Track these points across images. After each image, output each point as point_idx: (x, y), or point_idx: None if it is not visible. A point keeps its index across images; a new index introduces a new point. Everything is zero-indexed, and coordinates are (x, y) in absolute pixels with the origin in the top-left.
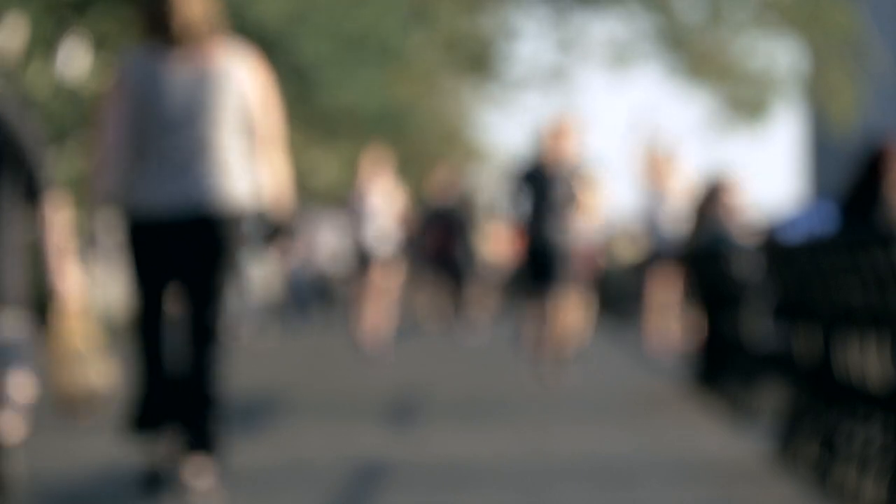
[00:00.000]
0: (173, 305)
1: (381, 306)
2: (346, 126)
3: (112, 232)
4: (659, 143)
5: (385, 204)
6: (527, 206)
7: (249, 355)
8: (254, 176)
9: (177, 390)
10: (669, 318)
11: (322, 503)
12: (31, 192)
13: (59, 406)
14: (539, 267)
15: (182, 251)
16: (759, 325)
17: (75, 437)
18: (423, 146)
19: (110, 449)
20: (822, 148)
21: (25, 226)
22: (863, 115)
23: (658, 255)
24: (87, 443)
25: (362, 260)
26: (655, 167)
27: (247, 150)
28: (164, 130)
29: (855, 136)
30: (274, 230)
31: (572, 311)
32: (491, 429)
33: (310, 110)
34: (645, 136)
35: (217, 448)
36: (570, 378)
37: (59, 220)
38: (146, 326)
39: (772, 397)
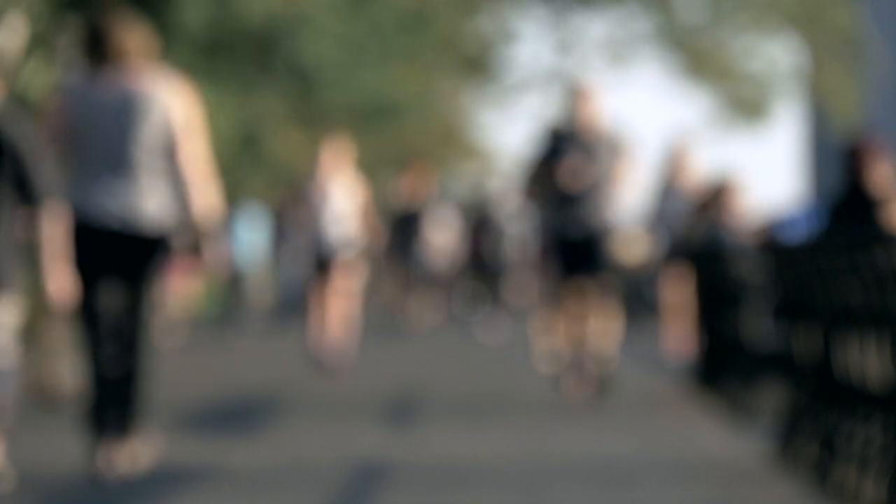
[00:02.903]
0: (108, 306)
1: (341, 313)
2: (346, 125)
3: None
4: (679, 137)
5: (347, 200)
6: (553, 186)
7: (249, 355)
8: (177, 193)
9: (108, 389)
10: (685, 319)
11: (322, 503)
12: (29, 199)
13: (33, 394)
14: (571, 255)
15: (109, 262)
16: (759, 325)
17: (75, 437)
18: (421, 146)
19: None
20: (822, 148)
21: (23, 228)
22: (863, 114)
23: (671, 253)
24: (86, 443)
25: (321, 262)
26: (675, 161)
27: (171, 168)
28: (94, 149)
29: (854, 134)
30: (197, 243)
31: (605, 315)
32: (491, 429)
33: (309, 110)
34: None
35: (141, 437)
36: (599, 394)
37: (55, 226)
38: (87, 327)
39: (772, 397)
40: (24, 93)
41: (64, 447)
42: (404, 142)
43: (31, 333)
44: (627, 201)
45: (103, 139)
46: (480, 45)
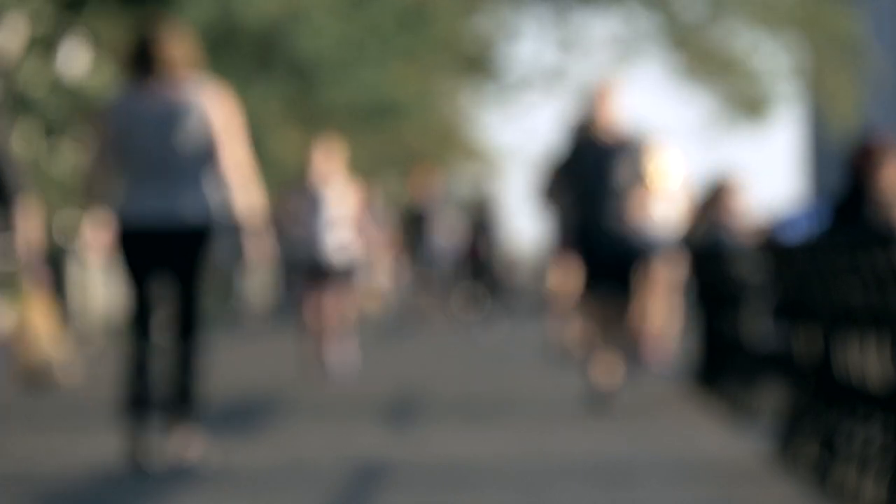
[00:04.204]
0: (159, 304)
1: (338, 325)
2: (346, 125)
3: (103, 235)
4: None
5: (340, 205)
6: (573, 191)
7: (249, 355)
8: (220, 192)
9: (161, 381)
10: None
11: (322, 503)
12: (6, 194)
13: (17, 378)
14: (597, 269)
15: (159, 260)
16: (759, 325)
17: (75, 437)
18: (421, 146)
19: (110, 449)
20: (822, 148)
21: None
22: (862, 115)
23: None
24: (86, 443)
25: (314, 271)
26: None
27: (214, 169)
28: (142, 155)
29: (855, 136)
30: (247, 241)
31: (654, 319)
32: (491, 429)
33: (309, 109)
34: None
35: (198, 422)
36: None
37: (31, 220)
38: (135, 322)
39: (772, 397)
40: (24, 92)
41: (58, 441)
42: (404, 142)
43: (18, 322)
44: (662, 211)
45: (149, 148)
46: (480, 45)
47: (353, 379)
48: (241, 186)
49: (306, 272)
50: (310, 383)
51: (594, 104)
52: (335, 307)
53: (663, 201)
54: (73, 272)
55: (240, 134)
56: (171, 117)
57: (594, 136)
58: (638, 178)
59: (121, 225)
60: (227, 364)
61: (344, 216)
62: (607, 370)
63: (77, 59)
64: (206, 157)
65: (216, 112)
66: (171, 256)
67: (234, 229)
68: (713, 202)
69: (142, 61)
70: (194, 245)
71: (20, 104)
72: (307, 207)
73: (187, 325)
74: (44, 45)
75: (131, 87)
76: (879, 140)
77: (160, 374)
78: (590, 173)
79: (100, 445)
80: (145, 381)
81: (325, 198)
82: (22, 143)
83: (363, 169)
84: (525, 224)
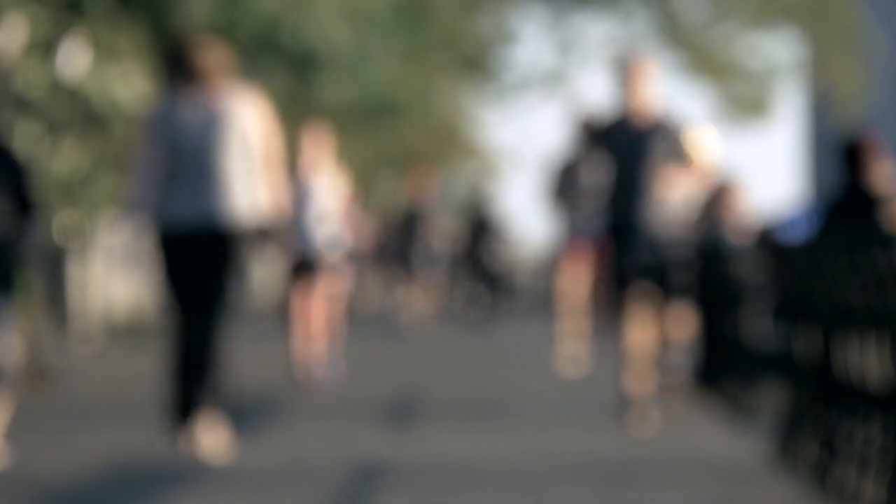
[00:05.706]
0: (194, 303)
1: (325, 319)
2: (345, 123)
3: (120, 236)
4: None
5: (329, 197)
6: (609, 178)
7: (249, 356)
8: (255, 195)
9: (194, 376)
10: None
11: (322, 503)
12: (22, 208)
13: (22, 382)
14: (627, 257)
15: (195, 262)
16: (759, 325)
17: (75, 437)
18: (421, 146)
19: (111, 448)
20: (823, 147)
21: (14, 232)
22: (866, 104)
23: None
24: (87, 443)
25: (303, 264)
26: None
27: (249, 173)
28: (182, 160)
29: (854, 128)
30: (268, 236)
31: (675, 325)
32: (491, 429)
33: (307, 107)
34: None
35: (220, 407)
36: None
37: (39, 225)
38: (178, 321)
39: (772, 397)
40: (23, 93)
41: (58, 440)
42: (404, 141)
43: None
44: (678, 201)
45: (187, 155)
46: (480, 45)
47: (340, 386)
48: (273, 192)
49: (294, 267)
50: (298, 388)
51: (627, 84)
52: (323, 307)
53: (694, 185)
54: (73, 272)
55: (274, 141)
56: (209, 125)
57: (628, 119)
58: (676, 160)
59: (159, 228)
60: (228, 364)
61: (333, 208)
62: (639, 380)
63: (76, 60)
64: (241, 163)
65: (252, 120)
66: (205, 259)
67: (261, 231)
68: (713, 202)
69: (180, 70)
70: (227, 248)
71: (20, 104)
72: (296, 198)
73: (213, 323)
74: (43, 45)
75: (170, 96)
76: (866, 138)
77: (189, 369)
78: (624, 158)
79: (99, 445)
80: (189, 377)
81: (313, 189)
82: (22, 143)
83: (362, 168)
84: (525, 224)
